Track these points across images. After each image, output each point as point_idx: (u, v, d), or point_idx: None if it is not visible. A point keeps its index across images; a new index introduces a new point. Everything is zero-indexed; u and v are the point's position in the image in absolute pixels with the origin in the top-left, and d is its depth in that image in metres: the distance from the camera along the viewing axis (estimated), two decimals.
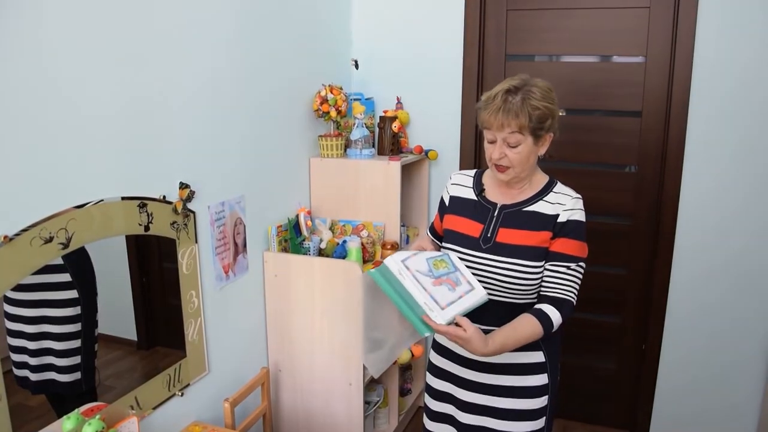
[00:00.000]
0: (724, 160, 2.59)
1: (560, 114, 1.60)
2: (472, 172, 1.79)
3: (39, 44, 1.43)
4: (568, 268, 1.58)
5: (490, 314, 1.60)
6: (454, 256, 1.61)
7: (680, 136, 2.62)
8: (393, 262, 1.49)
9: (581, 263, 1.60)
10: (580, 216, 1.60)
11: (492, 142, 1.57)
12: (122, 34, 1.67)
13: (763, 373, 2.70)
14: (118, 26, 1.65)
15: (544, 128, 1.54)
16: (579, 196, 1.63)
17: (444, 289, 1.49)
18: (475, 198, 1.71)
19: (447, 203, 1.78)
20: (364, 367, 2.46)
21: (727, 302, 2.71)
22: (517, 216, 1.62)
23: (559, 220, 1.58)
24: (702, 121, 2.59)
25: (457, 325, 1.47)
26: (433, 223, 1.89)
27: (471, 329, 1.46)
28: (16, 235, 1.40)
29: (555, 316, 1.55)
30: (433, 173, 3.05)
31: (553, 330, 1.56)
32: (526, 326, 1.54)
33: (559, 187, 1.65)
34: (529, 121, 1.50)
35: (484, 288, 1.59)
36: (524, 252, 1.58)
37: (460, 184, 1.77)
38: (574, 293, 1.60)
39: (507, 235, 1.61)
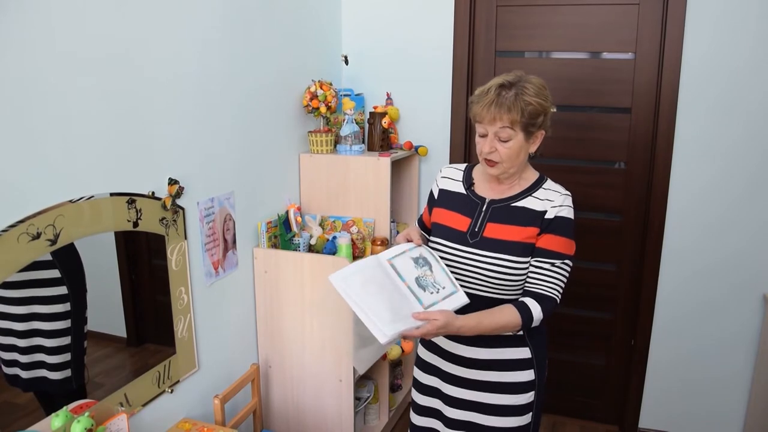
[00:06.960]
0: (713, 156, 2.61)
1: (552, 111, 1.60)
2: (463, 166, 1.79)
3: (25, 40, 1.41)
4: (553, 264, 1.58)
5: (472, 309, 1.58)
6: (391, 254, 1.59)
7: (669, 133, 2.64)
8: (336, 280, 1.49)
9: (567, 261, 1.60)
10: (568, 213, 1.60)
11: (483, 136, 1.58)
12: (109, 30, 1.65)
13: (750, 372, 2.73)
14: (105, 21, 1.63)
15: (535, 124, 1.54)
16: (568, 193, 1.63)
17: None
18: (464, 192, 1.71)
19: (436, 196, 1.78)
20: None
21: (716, 300, 2.73)
22: (505, 211, 1.63)
23: (546, 216, 1.58)
24: (691, 117, 2.61)
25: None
26: (421, 216, 1.89)
27: (437, 313, 1.46)
28: (3, 231, 1.39)
29: (536, 309, 1.55)
30: (423, 169, 3.05)
31: (533, 324, 1.56)
32: (504, 312, 1.55)
33: (549, 183, 1.65)
34: (521, 116, 1.51)
35: (469, 283, 1.61)
36: (511, 247, 1.58)
37: (450, 178, 1.77)
38: (558, 290, 1.59)
39: (494, 230, 1.61)
